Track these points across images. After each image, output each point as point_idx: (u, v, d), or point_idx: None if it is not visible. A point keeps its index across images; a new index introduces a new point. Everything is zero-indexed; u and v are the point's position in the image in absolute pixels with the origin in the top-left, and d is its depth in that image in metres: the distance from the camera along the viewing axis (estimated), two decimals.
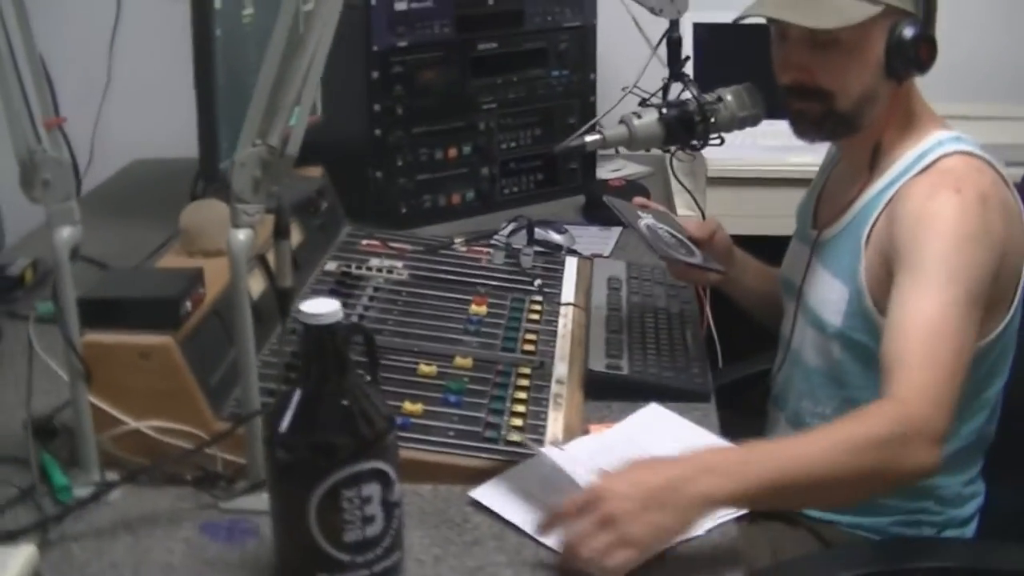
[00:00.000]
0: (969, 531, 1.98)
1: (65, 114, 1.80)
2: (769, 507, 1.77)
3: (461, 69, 2.73)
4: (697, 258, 2.08)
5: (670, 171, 2.51)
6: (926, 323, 1.69)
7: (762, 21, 1.88)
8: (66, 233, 1.60)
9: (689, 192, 2.53)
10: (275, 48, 1.51)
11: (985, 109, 3.06)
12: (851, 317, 1.88)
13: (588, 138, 1.90)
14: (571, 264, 2.41)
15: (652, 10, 1.98)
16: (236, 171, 1.53)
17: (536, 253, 2.41)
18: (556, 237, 2.53)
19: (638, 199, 2.18)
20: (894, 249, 1.80)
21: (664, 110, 1.91)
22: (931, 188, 1.79)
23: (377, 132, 2.64)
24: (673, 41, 1.97)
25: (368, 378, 1.48)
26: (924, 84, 1.89)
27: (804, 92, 1.87)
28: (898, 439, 1.60)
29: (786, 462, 1.57)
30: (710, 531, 1.58)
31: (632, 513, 1.46)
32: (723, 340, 2.33)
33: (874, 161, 1.89)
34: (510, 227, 2.55)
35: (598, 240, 2.61)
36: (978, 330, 1.75)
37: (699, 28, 2.86)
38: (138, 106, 3.35)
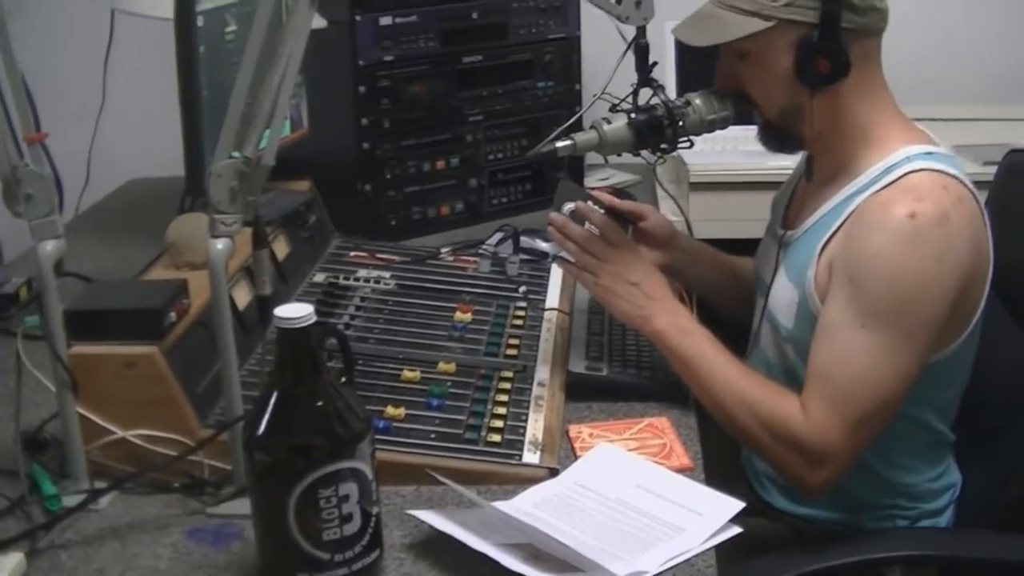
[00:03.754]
0: (943, 520, 2.01)
1: (60, 134, 1.85)
2: (675, 367, 1.95)
3: (447, 82, 2.77)
4: None
5: (655, 178, 2.54)
6: (833, 365, 1.80)
7: None
8: (50, 247, 1.64)
9: (673, 198, 2.56)
10: (248, 62, 1.55)
11: (960, 111, 3.11)
12: (801, 320, 1.90)
13: (559, 144, 1.92)
14: (557, 271, 2.43)
15: (619, 17, 2.00)
16: (213, 182, 1.57)
17: (522, 261, 2.45)
18: (543, 245, 2.56)
19: (596, 192, 2.22)
20: (837, 268, 1.82)
21: (633, 115, 1.94)
22: (885, 209, 1.78)
23: (365, 146, 2.68)
24: (641, 47, 1.99)
25: (343, 380, 1.51)
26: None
27: (743, 100, 1.95)
28: (795, 447, 1.80)
29: (712, 362, 1.88)
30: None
31: (618, 274, 1.96)
32: None
33: (836, 172, 1.92)
34: (497, 236, 2.58)
35: None
36: (920, 360, 1.80)
37: None
38: (134, 125, 3.38)
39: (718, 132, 2.04)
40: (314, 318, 1.41)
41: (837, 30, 1.81)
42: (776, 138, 1.95)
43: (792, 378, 1.93)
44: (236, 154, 1.58)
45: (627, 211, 2.20)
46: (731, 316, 2.26)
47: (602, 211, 2.09)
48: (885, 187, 1.81)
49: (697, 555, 1.56)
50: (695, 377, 1.89)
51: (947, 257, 1.76)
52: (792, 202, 2.09)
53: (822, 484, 1.82)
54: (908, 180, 1.80)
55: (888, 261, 1.75)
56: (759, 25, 1.83)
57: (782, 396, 1.83)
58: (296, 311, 1.41)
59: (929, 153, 1.85)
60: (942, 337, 1.83)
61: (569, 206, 2.08)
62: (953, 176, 1.81)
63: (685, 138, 1.97)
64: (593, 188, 2.82)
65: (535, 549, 1.52)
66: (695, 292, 2.29)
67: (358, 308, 2.19)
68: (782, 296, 1.95)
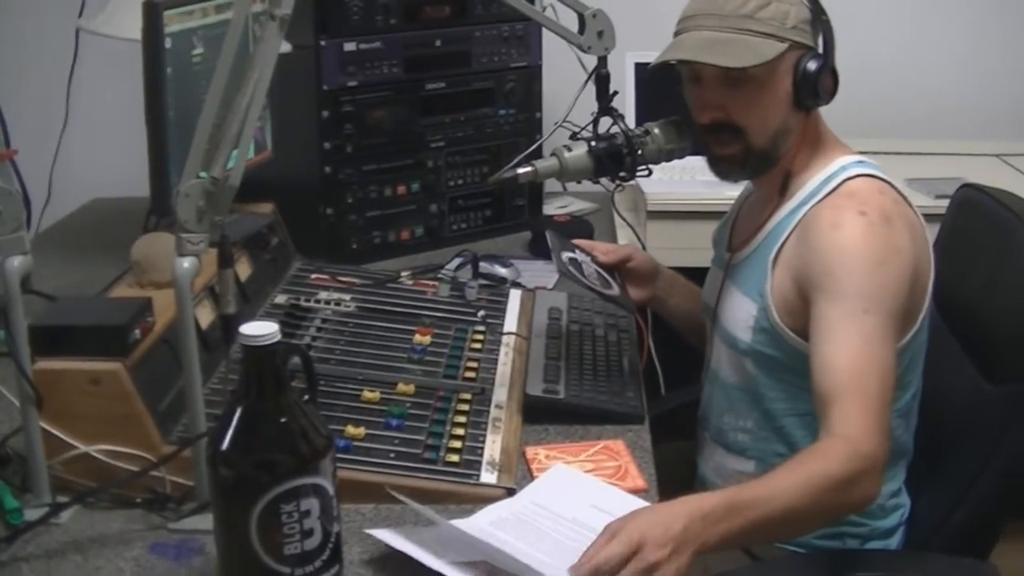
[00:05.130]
0: (894, 542, 2.05)
1: (23, 152, 1.87)
2: (746, 545, 1.91)
3: (410, 108, 2.81)
4: (613, 291, 2.20)
5: (613, 206, 2.57)
6: (853, 357, 1.79)
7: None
8: (17, 262, 1.66)
9: (631, 226, 2.60)
10: (217, 85, 1.58)
11: (913, 145, 3.18)
12: (759, 333, 1.97)
13: (520, 170, 1.96)
14: (515, 296, 2.49)
15: (581, 47, 2.04)
16: (180, 201, 1.60)
17: (481, 286, 2.49)
18: (501, 270, 2.60)
19: (579, 241, 2.28)
20: (807, 277, 1.88)
21: (593, 143, 1.98)
22: (836, 212, 1.88)
23: (327, 170, 2.71)
24: (602, 77, 2.03)
25: (306, 398, 1.54)
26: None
27: (721, 130, 1.95)
28: (852, 478, 1.71)
29: (765, 503, 1.66)
30: None
31: (667, 559, 1.53)
32: (667, 367, 2.40)
33: (784, 187, 1.99)
34: (456, 261, 2.62)
35: (542, 273, 2.67)
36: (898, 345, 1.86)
37: (640, 67, 2.95)
38: (97, 145, 3.40)
39: (676, 161, 2.09)
40: (279, 336, 1.44)
41: (834, 50, 1.92)
42: (755, 163, 1.98)
43: (751, 395, 2.01)
44: (204, 174, 1.61)
45: (613, 261, 2.28)
46: (697, 342, 2.31)
47: (590, 259, 2.15)
48: (827, 195, 1.93)
49: None
50: (767, 526, 1.68)
51: (900, 247, 1.86)
52: (734, 230, 2.16)
53: (881, 482, 1.77)
54: (847, 187, 1.93)
55: (857, 251, 1.84)
56: (779, 47, 1.89)
57: (814, 450, 1.76)
58: (262, 329, 1.44)
59: (860, 162, 1.98)
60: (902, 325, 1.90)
61: (568, 255, 2.13)
62: (885, 181, 1.94)
63: (644, 166, 2.02)
64: (559, 217, 2.89)
65: (491, 567, 1.55)
66: (671, 320, 2.39)
67: (319, 330, 2.21)
68: (738, 312, 2.01)
